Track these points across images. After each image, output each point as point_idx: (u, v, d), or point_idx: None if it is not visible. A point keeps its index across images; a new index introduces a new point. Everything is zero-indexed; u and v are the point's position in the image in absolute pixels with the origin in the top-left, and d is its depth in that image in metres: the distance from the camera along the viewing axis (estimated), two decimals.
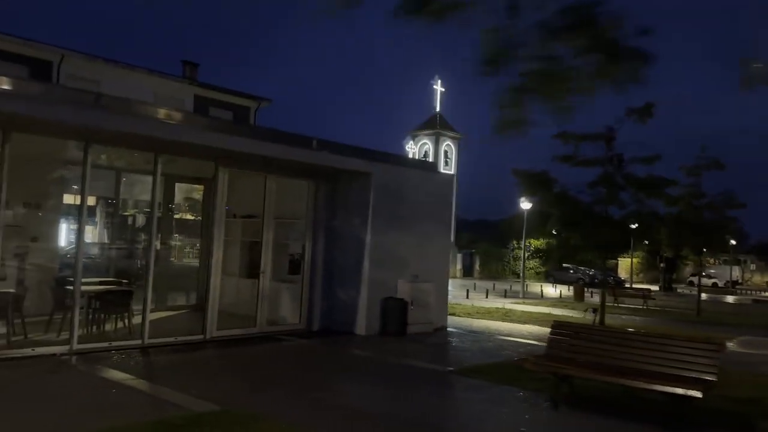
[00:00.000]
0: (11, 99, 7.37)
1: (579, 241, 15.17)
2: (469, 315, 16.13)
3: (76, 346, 8.58)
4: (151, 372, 7.63)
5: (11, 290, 8.98)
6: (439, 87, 38.44)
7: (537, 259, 45.93)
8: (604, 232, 14.56)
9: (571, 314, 18.72)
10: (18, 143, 8.05)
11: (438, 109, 38.51)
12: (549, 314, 17.94)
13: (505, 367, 9.00)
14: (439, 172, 13.24)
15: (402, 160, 13.25)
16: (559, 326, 7.47)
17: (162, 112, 8.99)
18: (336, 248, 11.98)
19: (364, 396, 7.13)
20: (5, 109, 7.29)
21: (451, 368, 8.73)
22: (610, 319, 16.37)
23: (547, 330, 13.60)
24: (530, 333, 13.39)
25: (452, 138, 38.45)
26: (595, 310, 13.81)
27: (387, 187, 11.81)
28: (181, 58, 41.93)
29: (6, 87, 7.58)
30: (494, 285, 30.68)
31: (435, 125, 37.81)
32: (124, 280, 11.42)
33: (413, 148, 37.90)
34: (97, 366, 7.72)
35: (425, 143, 38.38)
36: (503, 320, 15.60)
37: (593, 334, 7.19)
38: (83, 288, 9.06)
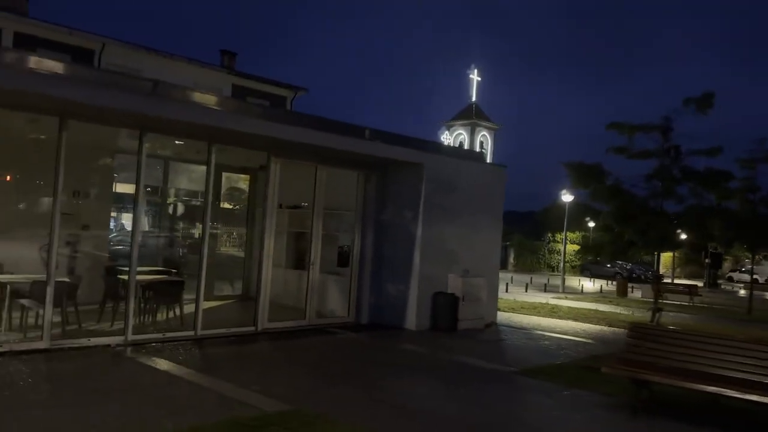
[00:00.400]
0: (69, 85, 7.22)
1: (634, 237, 14.60)
2: (513, 310, 15.72)
3: (130, 337, 8.50)
4: (209, 366, 7.47)
5: (66, 279, 8.91)
6: (475, 76, 37.72)
7: (573, 253, 45.04)
8: (660, 227, 14.01)
9: (618, 311, 18.16)
10: (72, 131, 7.94)
11: (474, 99, 37.83)
12: (596, 311, 17.43)
13: (569, 368, 8.63)
14: (491, 164, 12.80)
15: (454, 150, 12.90)
16: (637, 328, 7.07)
17: (218, 101, 8.79)
18: (385, 241, 11.71)
19: (428, 397, 6.85)
20: (63, 95, 7.15)
21: (513, 368, 8.39)
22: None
23: (600, 328, 13.49)
24: (583, 331, 12.96)
25: (488, 128, 37.72)
26: (660, 309, 13.37)
27: (439, 178, 11.47)
28: (219, 47, 41.71)
29: (64, 72, 7.46)
30: (531, 278, 30.10)
31: (471, 115, 37.13)
32: (173, 270, 11.35)
33: (448, 139, 37.32)
34: (155, 358, 7.59)
35: (460, 134, 37.75)
36: (550, 316, 15.16)
37: (675, 337, 6.76)
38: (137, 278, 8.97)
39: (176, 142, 10.03)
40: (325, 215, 11.34)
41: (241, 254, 14.34)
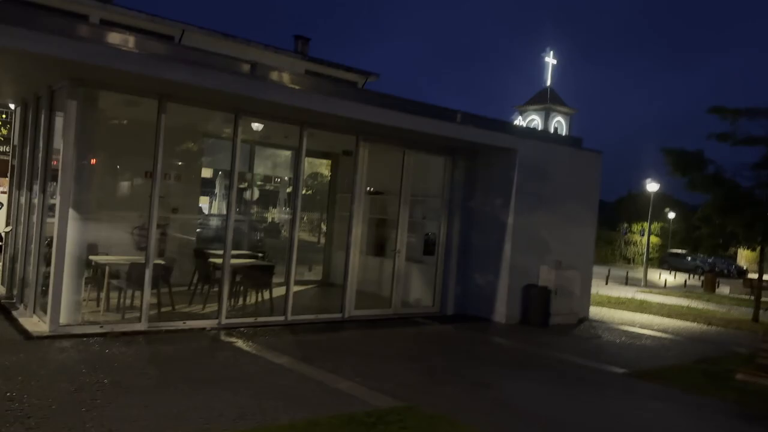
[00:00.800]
0: (171, 65, 7.12)
1: (737, 229, 13.52)
2: (600, 304, 14.94)
3: (224, 321, 8.46)
4: (307, 354, 7.28)
5: (162, 261, 8.95)
6: (550, 59, 36.35)
7: (653, 245, 43.07)
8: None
9: (711, 308, 17.00)
10: (169, 114, 7.89)
11: (549, 82, 36.49)
12: (688, 307, 16.39)
13: (684, 371, 7.97)
14: (586, 150, 12.08)
15: (549, 135, 12.26)
16: None
17: (313, 83, 8.55)
18: (473, 229, 11.25)
19: (541, 398, 6.41)
20: (165, 75, 7.06)
21: (624, 370, 7.80)
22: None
23: (699, 326, 12.54)
24: (683, 329, 12.12)
25: (563, 113, 36.32)
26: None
27: (532, 164, 10.88)
28: (293, 33, 41.74)
29: (165, 53, 7.38)
30: (609, 271, 28.83)
31: (545, 99, 35.84)
32: (259, 254, 11.33)
33: (521, 124, 36.22)
34: (252, 344, 7.49)
35: (533, 119, 36.55)
36: (641, 312, 14.31)
37: None
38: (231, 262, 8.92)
39: (258, 126, 9.86)
40: (412, 202, 11.00)
41: (320, 240, 14.26)
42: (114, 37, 7.00)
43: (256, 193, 15.34)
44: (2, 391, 5.02)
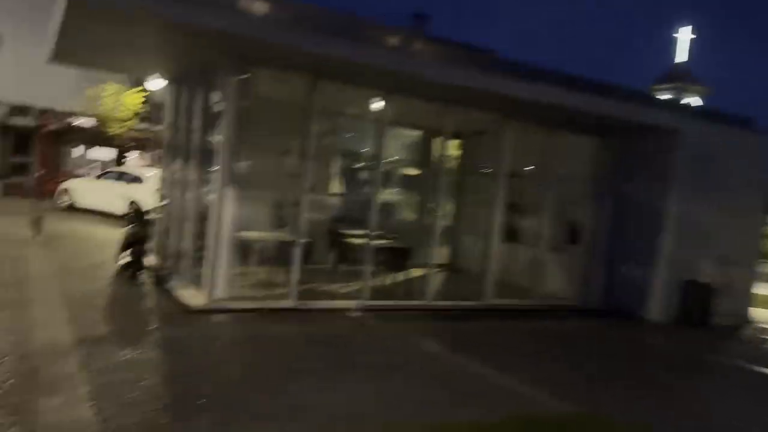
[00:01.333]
0: (329, 40, 6.89)
1: None
2: (765, 304, 13.38)
3: (367, 302, 8.31)
4: (455, 342, 6.93)
5: (308, 240, 8.93)
6: (684, 36, 33.38)
7: None
8: None
9: None
10: (319, 92, 7.75)
11: (681, 59, 33.56)
12: None
13: None
14: (758, 132, 10.69)
15: (716, 114, 10.95)
16: None
17: (469, 56, 8.06)
18: (624, 217, 10.32)
19: (743, 412, 5.62)
20: (320, 51, 6.84)
21: None
22: None
23: None
24: None
25: (699, 92, 33.30)
26: None
27: (696, 147, 9.75)
28: (412, 11, 41.14)
29: (322, 26, 7.18)
30: None
31: (678, 78, 33.02)
32: (394, 236, 11.11)
33: None
34: (399, 328, 7.28)
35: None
36: None
37: None
38: (373, 243, 8.75)
39: (425, 105, 9.49)
40: (553, 186, 10.27)
41: (446, 223, 13.85)
42: (270, 8, 6.90)
43: (395, 175, 15.17)
44: (179, 368, 5.06)
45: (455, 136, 13.47)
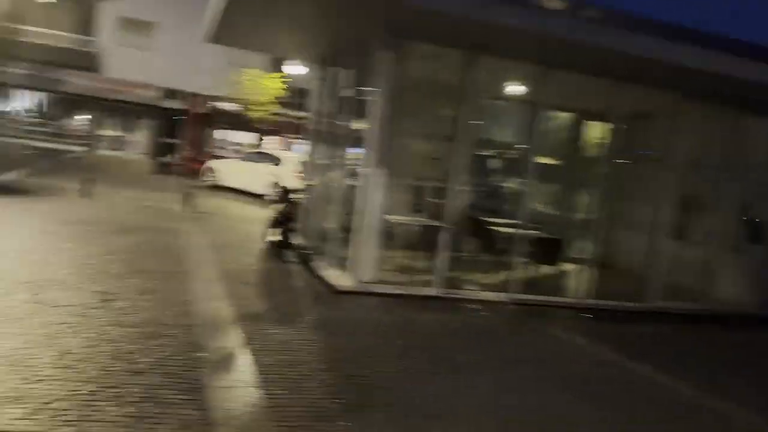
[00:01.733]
0: (495, 8, 6.29)
1: None
2: None
3: (515, 296, 7.71)
4: (632, 350, 6.12)
5: (452, 226, 8.49)
6: None
7: None
8: None
9: None
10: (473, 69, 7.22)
11: None
12: None
13: None
14: None
15: None
16: None
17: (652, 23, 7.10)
18: None
19: None
20: (488, 18, 6.27)
21: None
22: None
23: None
24: None
25: None
26: None
27: None
28: None
29: None
30: None
31: None
32: (538, 226, 10.37)
33: None
34: (558, 326, 6.68)
35: None
36: None
37: None
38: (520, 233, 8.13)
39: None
40: (729, 176, 9.00)
41: (596, 215, 12.74)
42: None
43: (535, 162, 14.27)
44: (338, 352, 4.84)
45: (614, 119, 12.36)
